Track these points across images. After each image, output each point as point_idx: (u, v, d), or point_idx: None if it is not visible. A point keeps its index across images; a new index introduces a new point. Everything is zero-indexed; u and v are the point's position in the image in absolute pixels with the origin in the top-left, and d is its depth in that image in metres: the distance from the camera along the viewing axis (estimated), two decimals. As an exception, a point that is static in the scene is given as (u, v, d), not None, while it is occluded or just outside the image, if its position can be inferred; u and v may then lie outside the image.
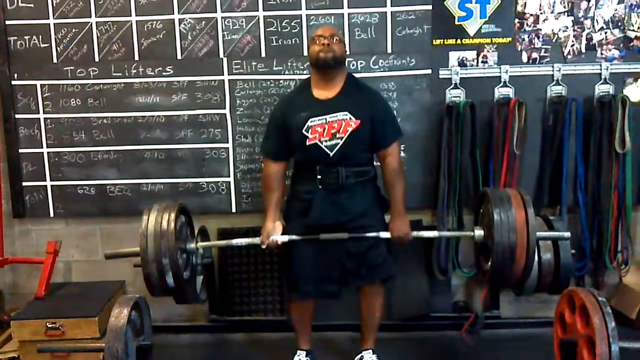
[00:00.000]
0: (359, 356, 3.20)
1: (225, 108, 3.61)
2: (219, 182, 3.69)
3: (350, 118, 2.87)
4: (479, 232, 2.93)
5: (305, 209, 2.97)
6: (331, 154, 2.89)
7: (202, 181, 3.69)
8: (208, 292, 3.67)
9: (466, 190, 3.55)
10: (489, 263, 2.80)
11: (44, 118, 3.67)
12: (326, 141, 2.88)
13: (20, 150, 3.71)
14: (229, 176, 3.68)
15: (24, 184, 3.75)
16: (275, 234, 3.02)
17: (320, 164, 2.92)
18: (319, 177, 2.91)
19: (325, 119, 2.88)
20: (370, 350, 3.18)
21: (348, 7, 3.48)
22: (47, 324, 3.35)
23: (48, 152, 3.71)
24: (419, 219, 3.67)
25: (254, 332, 3.69)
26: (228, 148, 3.65)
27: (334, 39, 2.87)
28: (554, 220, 3.35)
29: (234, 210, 3.71)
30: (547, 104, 3.52)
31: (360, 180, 2.96)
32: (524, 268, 2.73)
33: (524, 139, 3.45)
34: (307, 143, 2.90)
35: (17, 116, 3.67)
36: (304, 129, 2.90)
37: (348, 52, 3.18)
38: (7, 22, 3.57)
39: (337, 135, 2.87)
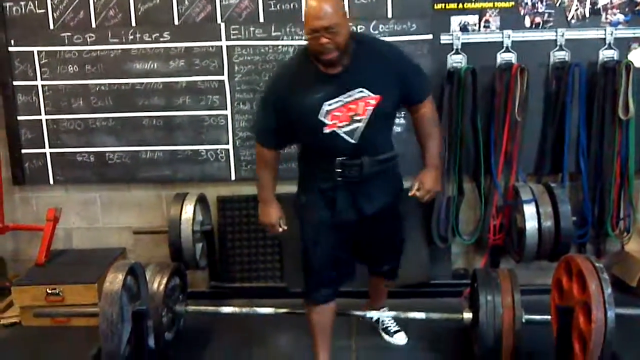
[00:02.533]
0: (375, 313, 3.17)
1: (223, 74, 3.57)
2: (217, 149, 3.66)
3: (368, 95, 2.40)
4: (467, 315, 2.90)
5: (326, 204, 2.60)
6: (353, 141, 2.44)
7: (200, 148, 3.67)
8: (208, 259, 3.69)
9: (467, 157, 3.52)
10: (477, 346, 2.79)
11: (42, 85, 3.65)
12: (344, 127, 2.42)
13: (19, 118, 3.70)
14: (228, 143, 3.65)
15: (23, 151, 3.74)
16: (278, 218, 2.73)
17: (339, 155, 2.48)
18: (338, 170, 2.49)
19: (342, 100, 2.40)
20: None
21: (348, -29, 3.41)
22: (47, 289, 3.37)
23: (46, 119, 3.69)
24: (419, 187, 3.64)
25: (254, 299, 3.69)
26: (227, 115, 3.62)
27: (333, 30, 2.28)
28: (555, 187, 3.35)
29: (233, 178, 3.70)
30: (550, 70, 3.46)
31: (385, 168, 2.59)
32: (512, 351, 2.70)
33: (526, 105, 3.40)
34: (325, 131, 2.42)
35: (14, 83, 3.65)
36: (320, 114, 2.40)
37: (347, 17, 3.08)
38: (3, -12, 3.53)
39: (356, 118, 2.41)
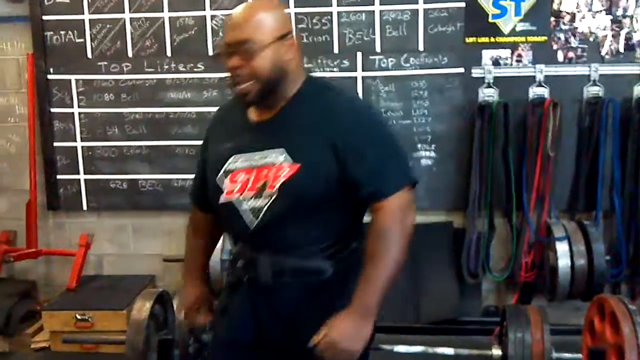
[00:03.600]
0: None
1: (255, 105, 3.61)
2: (247, 178, 3.68)
3: (285, 160, 1.62)
4: (496, 352, 2.85)
5: (222, 309, 1.84)
6: (251, 227, 1.66)
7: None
8: None
9: (498, 192, 3.47)
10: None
11: (79, 112, 3.73)
12: (249, 200, 1.65)
13: (55, 144, 3.79)
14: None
15: (59, 177, 3.82)
16: (196, 305, 1.95)
17: (239, 239, 1.79)
18: (241, 262, 1.76)
19: (253, 160, 1.67)
20: None
21: (380, 4, 3.43)
22: (77, 315, 3.40)
23: (82, 146, 3.77)
24: (449, 221, 3.62)
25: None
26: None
27: (250, 49, 1.59)
28: (589, 225, 3.29)
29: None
30: (583, 105, 3.41)
31: (308, 283, 1.70)
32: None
33: (559, 141, 3.35)
34: (221, 199, 1.70)
35: (52, 110, 3.74)
36: (220, 172, 1.71)
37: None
38: (44, 17, 3.64)
39: (265, 192, 1.63)
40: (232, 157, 1.69)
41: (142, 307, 2.41)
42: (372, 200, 1.63)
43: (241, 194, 1.65)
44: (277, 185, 1.60)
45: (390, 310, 3.48)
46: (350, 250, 1.73)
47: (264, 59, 1.59)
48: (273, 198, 1.61)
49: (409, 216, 1.66)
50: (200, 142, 3.57)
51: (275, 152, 1.63)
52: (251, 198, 1.64)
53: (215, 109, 3.51)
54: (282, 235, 1.67)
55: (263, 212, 1.63)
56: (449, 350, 2.91)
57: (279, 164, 1.62)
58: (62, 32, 3.64)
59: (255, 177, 1.65)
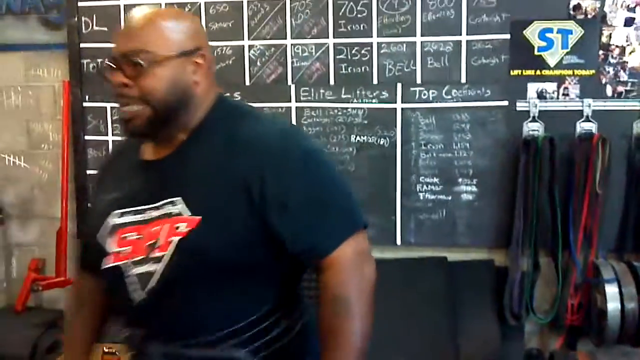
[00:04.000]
0: None
1: (292, 135, 3.53)
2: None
3: (181, 212, 1.26)
4: None
5: None
6: (136, 301, 1.28)
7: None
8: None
9: (543, 230, 3.32)
10: None
11: (112, 140, 3.69)
12: (136, 265, 1.27)
13: (88, 172, 3.74)
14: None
15: (90, 205, 3.75)
16: None
17: (127, 319, 1.38)
18: (130, 354, 1.42)
19: (141, 214, 1.31)
20: None
21: (421, 36, 3.35)
22: (104, 348, 3.30)
23: (114, 175, 3.71)
24: (491, 259, 3.47)
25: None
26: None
27: (139, 62, 1.27)
28: (639, 266, 3.12)
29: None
30: (633, 141, 3.26)
31: None
32: None
33: (607, 178, 3.21)
34: (105, 264, 1.33)
35: (86, 137, 3.71)
36: (103, 230, 1.35)
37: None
38: (82, 45, 3.62)
39: (155, 255, 1.26)
40: (119, 210, 1.32)
41: None
42: (311, 259, 1.26)
43: (128, 258, 1.26)
44: (171, 245, 1.21)
45: (428, 350, 3.37)
46: (281, 331, 1.31)
47: (158, 77, 1.25)
48: (166, 262, 1.21)
49: (366, 268, 1.33)
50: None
51: (170, 201, 1.25)
52: (139, 262, 1.24)
53: None
54: (179, 313, 1.24)
55: (152, 281, 1.22)
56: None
57: (174, 216, 1.23)
58: (99, 60, 3.61)
59: (146, 235, 1.25)
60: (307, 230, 1.26)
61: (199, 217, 1.22)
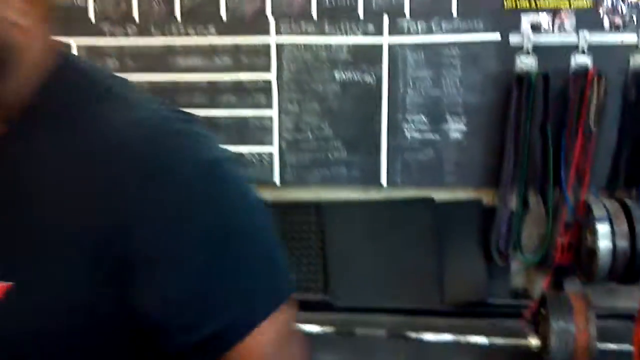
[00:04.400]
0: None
1: (271, 72, 3.33)
2: (262, 152, 3.44)
3: None
4: (535, 342, 2.62)
5: None
6: None
7: (244, 150, 3.45)
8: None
9: (533, 168, 3.22)
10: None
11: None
12: None
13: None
14: (273, 146, 3.42)
15: None
16: None
17: None
18: None
19: None
20: None
21: (409, -36, 3.13)
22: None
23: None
24: (479, 198, 3.39)
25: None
26: (272, 116, 3.38)
27: None
28: (632, 205, 3.06)
29: (277, 182, 3.47)
30: (630, 76, 3.13)
31: None
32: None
33: (602, 115, 3.09)
34: None
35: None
36: None
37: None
38: (42, -23, 3.32)
39: None
40: None
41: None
42: (208, 354, 0.72)
43: None
44: None
45: (413, 292, 3.32)
46: None
47: None
48: None
49: (293, 352, 0.83)
50: (210, 112, 3.38)
51: None
52: None
53: (227, 76, 3.38)
54: None
55: None
56: (482, 340, 2.72)
57: None
58: (62, -7, 3.35)
59: None
60: (201, 310, 0.71)
61: (10, 284, 0.68)
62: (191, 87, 3.39)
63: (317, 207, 3.50)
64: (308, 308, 3.44)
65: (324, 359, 2.97)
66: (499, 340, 2.72)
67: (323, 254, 3.51)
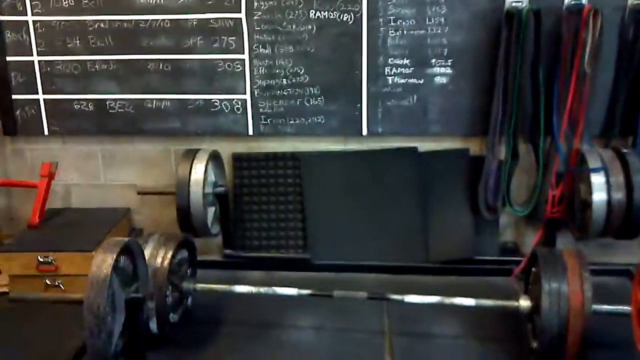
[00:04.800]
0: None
1: (240, 12, 3.06)
2: (233, 99, 3.18)
3: None
4: (525, 303, 2.41)
5: None
6: None
7: (214, 98, 3.19)
8: (221, 224, 3.26)
9: (524, 114, 2.98)
10: (536, 341, 2.33)
11: (33, 21, 3.17)
12: None
13: (8, 58, 3.24)
14: (245, 93, 3.17)
15: (14, 96, 3.30)
16: None
17: None
18: None
19: None
20: None
21: None
22: (39, 257, 2.96)
23: (39, 61, 3.24)
24: (466, 148, 3.17)
25: (272, 271, 3.27)
26: (244, 59, 3.12)
27: None
28: (628, 154, 2.85)
29: (250, 132, 3.23)
30: (627, 13, 2.90)
31: None
32: (578, 346, 2.21)
33: (597, 55, 2.86)
34: None
35: (1, 18, 3.18)
36: None
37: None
38: None
39: None
40: None
41: (104, 263, 1.96)
42: None
43: None
44: None
45: (396, 248, 3.12)
46: None
47: None
48: None
49: None
50: (176, 56, 3.10)
51: None
52: None
53: (193, 16, 3.09)
54: None
55: None
56: (469, 301, 2.52)
57: None
58: None
59: None
60: None
61: None
62: (154, 28, 3.11)
63: (294, 159, 3.26)
64: (287, 267, 3.25)
65: (302, 323, 2.76)
66: (487, 302, 2.52)
67: (301, 209, 3.28)
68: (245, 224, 3.34)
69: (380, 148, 3.20)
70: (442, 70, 3.05)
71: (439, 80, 3.07)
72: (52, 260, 2.96)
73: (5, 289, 3.07)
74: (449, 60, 3.02)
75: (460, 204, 3.19)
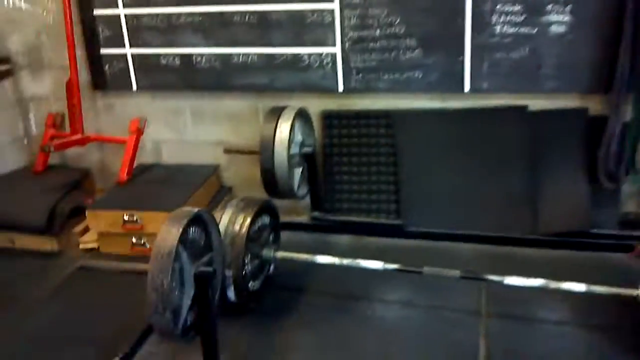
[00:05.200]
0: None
1: (331, -44, 2.80)
2: (322, 53, 2.95)
3: None
4: None
5: None
6: None
7: (302, 52, 2.97)
8: (310, 186, 3.08)
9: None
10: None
11: (119, -30, 3.07)
12: None
13: (95, 12, 3.16)
14: (335, 46, 2.92)
15: (102, 51, 3.23)
16: None
17: None
18: None
19: None
20: None
21: None
22: (125, 216, 2.92)
23: (125, 14, 3.13)
24: (584, 107, 2.78)
25: (362, 236, 3.06)
26: (334, 10, 2.86)
27: None
28: None
29: (340, 88, 2.99)
30: None
31: None
32: None
33: None
34: None
35: (88, -31, 3.10)
36: None
37: None
38: None
39: None
40: None
41: (169, 234, 1.82)
42: None
43: None
44: None
45: (499, 218, 2.83)
46: None
47: None
48: None
49: None
50: (262, 7, 2.90)
51: None
52: None
53: None
54: None
55: None
56: (579, 287, 2.20)
57: None
58: None
59: None
60: None
61: None
62: (240, -23, 2.92)
63: (387, 118, 3.00)
64: (377, 232, 3.04)
65: (390, 297, 2.55)
66: (599, 289, 2.18)
67: (395, 172, 3.04)
68: (334, 186, 3.14)
69: (485, 106, 2.88)
70: (559, 17, 2.66)
71: (555, 29, 2.68)
72: (137, 219, 2.91)
73: (94, 245, 3.07)
74: (568, 6, 2.62)
75: (575, 170, 2.83)
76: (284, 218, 2.84)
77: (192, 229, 1.96)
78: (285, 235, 2.73)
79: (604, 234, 2.84)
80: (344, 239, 3.05)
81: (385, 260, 2.38)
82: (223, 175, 3.40)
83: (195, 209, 1.95)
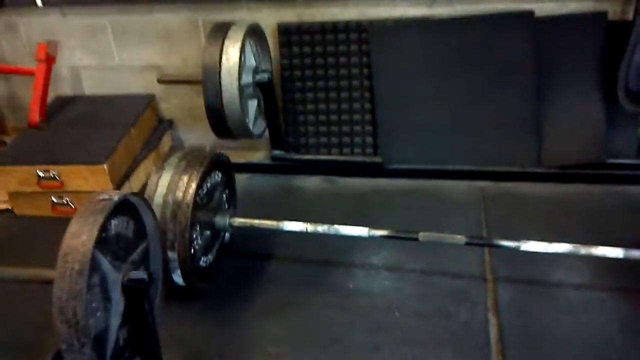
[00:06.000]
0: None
1: None
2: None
3: None
4: None
5: None
6: None
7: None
8: (268, 120, 2.52)
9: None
10: None
11: None
12: None
13: None
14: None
15: None
16: None
17: None
18: None
19: None
20: None
21: None
22: (39, 171, 2.33)
23: None
24: (602, 11, 2.28)
25: (334, 177, 2.57)
26: None
27: None
28: None
29: (302, -5, 2.40)
30: None
31: None
32: None
33: None
34: None
35: None
36: None
37: None
38: None
39: None
40: None
41: (78, 239, 1.26)
42: None
43: None
44: None
45: (497, 148, 2.39)
46: None
47: None
48: None
49: None
50: None
51: None
52: None
53: None
54: None
55: None
56: (615, 252, 1.76)
57: None
58: None
59: None
60: None
61: None
62: None
63: (361, 31, 2.46)
64: (352, 172, 2.54)
65: (375, 261, 2.08)
66: (638, 254, 1.75)
67: (371, 98, 2.50)
68: (297, 119, 2.61)
69: (480, 13, 2.34)
70: None
71: None
72: (54, 175, 2.33)
73: (7, 206, 2.50)
74: None
75: (589, 88, 2.40)
76: (238, 159, 2.33)
77: (113, 223, 1.41)
78: (240, 181, 2.21)
79: (623, 164, 2.44)
80: (313, 182, 2.56)
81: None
82: (161, 106, 2.83)
83: (116, 197, 1.39)
